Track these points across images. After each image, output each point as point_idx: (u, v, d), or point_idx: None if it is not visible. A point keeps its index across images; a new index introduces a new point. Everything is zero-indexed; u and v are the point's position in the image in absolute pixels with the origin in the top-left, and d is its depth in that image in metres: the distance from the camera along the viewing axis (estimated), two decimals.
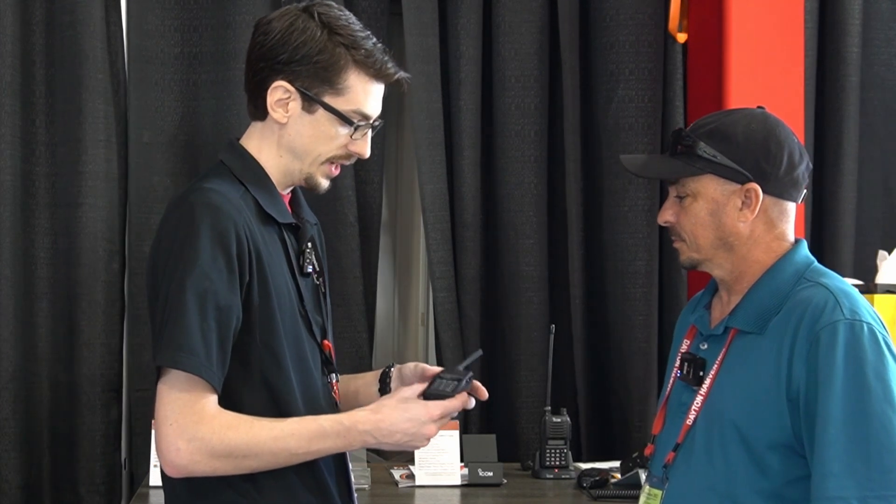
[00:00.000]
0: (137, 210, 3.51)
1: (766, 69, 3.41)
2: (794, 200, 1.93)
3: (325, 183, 2.01)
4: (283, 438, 1.84)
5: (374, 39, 1.98)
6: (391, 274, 4.03)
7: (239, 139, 2.02)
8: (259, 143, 1.99)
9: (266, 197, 1.95)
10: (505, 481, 3.19)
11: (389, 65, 1.97)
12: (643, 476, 2.92)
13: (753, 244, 1.91)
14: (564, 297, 3.71)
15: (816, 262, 1.94)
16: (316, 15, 1.94)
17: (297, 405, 1.91)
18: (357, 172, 3.61)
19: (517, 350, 3.68)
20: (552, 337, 3.31)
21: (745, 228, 1.90)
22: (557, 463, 3.27)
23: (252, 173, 1.96)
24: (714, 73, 3.45)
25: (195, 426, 1.80)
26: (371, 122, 1.99)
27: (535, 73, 3.68)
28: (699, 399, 1.91)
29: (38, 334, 3.41)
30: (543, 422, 3.28)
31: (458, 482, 3.18)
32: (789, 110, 3.34)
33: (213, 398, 1.83)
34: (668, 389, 2.02)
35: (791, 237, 1.94)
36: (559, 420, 3.28)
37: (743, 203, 1.89)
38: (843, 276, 1.96)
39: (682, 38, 3.65)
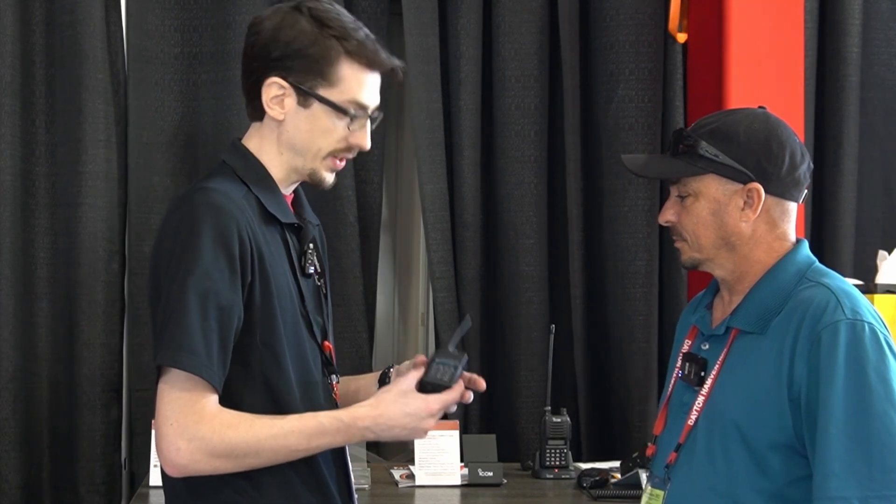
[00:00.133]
0: (137, 210, 3.51)
1: (766, 69, 3.41)
2: (796, 200, 1.93)
3: (329, 178, 2.00)
4: (283, 437, 1.84)
5: (366, 31, 1.98)
6: (391, 274, 4.03)
7: (241, 140, 2.03)
8: (259, 143, 1.99)
9: (269, 196, 1.95)
10: (505, 481, 3.19)
11: (382, 53, 1.97)
12: (643, 476, 2.94)
13: (755, 244, 1.91)
14: (564, 297, 3.71)
15: (818, 262, 1.94)
16: (306, 10, 1.95)
17: (298, 405, 1.90)
18: (357, 172, 3.61)
19: (517, 350, 3.68)
20: (552, 337, 3.31)
21: (747, 228, 1.90)
22: (557, 463, 3.27)
23: (255, 173, 1.96)
24: (714, 73, 3.45)
25: (195, 425, 1.80)
26: (369, 112, 1.98)
27: (535, 73, 3.68)
28: (700, 399, 1.91)
29: (38, 334, 3.41)
30: (543, 422, 3.28)
31: (458, 482, 3.18)
32: (789, 110, 3.34)
33: (214, 398, 1.82)
34: (670, 390, 2.02)
35: (792, 237, 1.94)
36: (559, 420, 3.28)
37: (745, 203, 1.89)
38: (843, 276, 1.96)
39: (682, 38, 3.65)
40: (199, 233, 1.82)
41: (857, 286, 1.92)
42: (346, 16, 1.98)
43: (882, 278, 3.29)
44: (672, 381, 2.02)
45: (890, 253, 3.35)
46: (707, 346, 1.95)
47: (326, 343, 2.02)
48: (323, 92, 1.94)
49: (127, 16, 3.52)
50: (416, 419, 1.89)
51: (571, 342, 3.66)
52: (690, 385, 1.94)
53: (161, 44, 3.53)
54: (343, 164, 2.01)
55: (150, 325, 1.92)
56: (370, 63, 1.96)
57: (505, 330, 3.70)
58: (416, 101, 3.59)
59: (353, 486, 2.05)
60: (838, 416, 1.74)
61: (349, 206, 3.57)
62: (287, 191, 2.02)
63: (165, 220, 1.92)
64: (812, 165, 1.97)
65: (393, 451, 3.79)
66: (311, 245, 2.02)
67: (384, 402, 1.89)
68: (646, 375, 3.65)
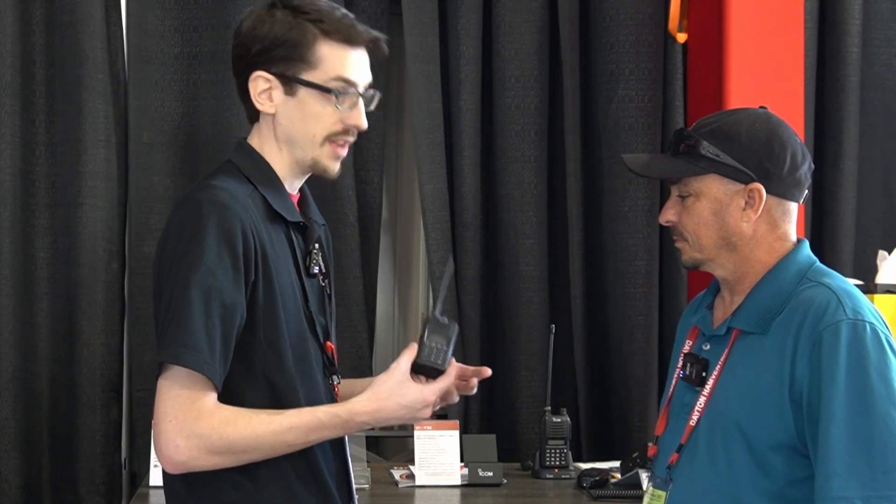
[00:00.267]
0: (137, 210, 3.50)
1: (766, 69, 3.41)
2: (797, 200, 1.93)
3: (334, 166, 2.00)
4: (281, 433, 1.85)
5: (344, 11, 1.99)
6: (391, 274, 4.02)
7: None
8: (260, 142, 2.00)
9: (274, 195, 1.95)
10: (505, 481, 3.19)
11: (359, 27, 1.97)
12: (643, 476, 2.94)
13: (756, 244, 1.91)
14: (564, 297, 3.71)
15: (819, 262, 1.94)
16: (279, 3, 1.97)
17: (299, 404, 1.90)
18: (357, 172, 3.61)
19: (517, 350, 3.67)
20: (552, 337, 3.31)
21: (749, 228, 1.90)
22: (557, 463, 3.27)
23: (260, 172, 1.97)
24: (714, 73, 3.45)
25: (194, 422, 1.80)
26: (358, 89, 1.97)
27: (535, 73, 3.68)
28: (702, 400, 1.90)
29: (38, 334, 3.41)
30: (543, 422, 3.28)
31: (458, 482, 3.18)
32: (789, 110, 3.34)
33: (213, 395, 1.83)
34: (671, 390, 2.01)
35: (793, 237, 1.94)
36: (559, 420, 3.28)
37: (746, 203, 1.89)
38: (844, 276, 1.96)
39: (682, 38, 3.65)
40: (203, 230, 1.82)
41: (857, 286, 1.92)
42: (322, 1, 1.99)
43: (882, 278, 3.29)
44: (673, 382, 2.01)
45: (890, 253, 3.35)
46: (708, 347, 1.95)
47: (329, 343, 2.02)
48: (306, 76, 1.94)
49: (127, 16, 3.52)
50: (412, 410, 1.91)
51: (571, 342, 3.66)
52: (692, 385, 1.94)
53: (161, 44, 3.53)
54: (345, 149, 2.01)
55: (153, 321, 1.92)
56: (348, 39, 1.96)
57: (505, 330, 3.70)
58: (416, 101, 3.59)
59: (353, 487, 2.05)
60: (840, 417, 1.74)
61: (349, 206, 3.57)
62: (293, 189, 2.02)
63: (171, 218, 1.93)
64: (813, 165, 1.97)
65: (393, 451, 3.79)
66: (317, 245, 2.03)
67: (380, 395, 1.90)
68: (646, 375, 3.65)
